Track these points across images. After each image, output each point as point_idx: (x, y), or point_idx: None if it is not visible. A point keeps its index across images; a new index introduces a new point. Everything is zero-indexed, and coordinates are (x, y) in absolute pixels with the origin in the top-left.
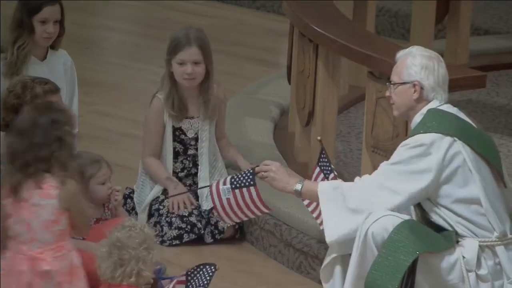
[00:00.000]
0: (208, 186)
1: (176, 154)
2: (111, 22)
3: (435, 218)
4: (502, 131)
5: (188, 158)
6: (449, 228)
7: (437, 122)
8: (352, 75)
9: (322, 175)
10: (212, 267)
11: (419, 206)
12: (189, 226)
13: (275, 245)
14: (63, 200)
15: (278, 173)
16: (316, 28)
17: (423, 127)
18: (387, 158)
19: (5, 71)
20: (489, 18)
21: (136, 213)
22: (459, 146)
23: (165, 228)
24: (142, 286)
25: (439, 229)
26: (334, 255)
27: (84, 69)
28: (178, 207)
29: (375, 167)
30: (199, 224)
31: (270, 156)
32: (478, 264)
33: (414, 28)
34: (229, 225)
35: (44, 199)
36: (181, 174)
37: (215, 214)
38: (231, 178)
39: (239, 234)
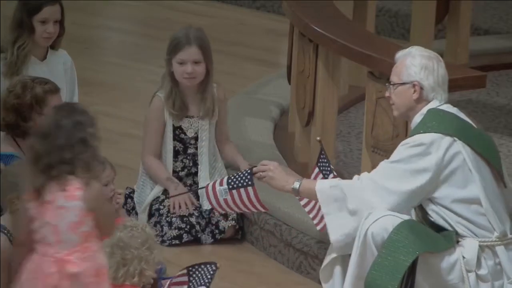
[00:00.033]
0: (203, 187)
1: (176, 153)
2: (111, 22)
3: (435, 218)
4: (502, 131)
5: (188, 157)
6: (449, 228)
7: (437, 122)
8: (352, 75)
9: (321, 175)
10: (213, 266)
11: (419, 206)
12: (188, 226)
13: (275, 245)
14: (88, 201)
15: (276, 172)
16: (316, 28)
17: (423, 127)
18: (387, 158)
19: (5, 71)
20: (489, 18)
21: (136, 213)
22: (459, 146)
23: (165, 228)
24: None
25: (439, 229)
26: (334, 255)
27: (84, 69)
28: (180, 207)
29: (375, 167)
30: (198, 226)
31: (270, 156)
32: (478, 264)
33: (414, 28)
34: (229, 225)
35: (69, 201)
36: (181, 174)
37: (216, 214)
38: (228, 179)
39: (240, 234)
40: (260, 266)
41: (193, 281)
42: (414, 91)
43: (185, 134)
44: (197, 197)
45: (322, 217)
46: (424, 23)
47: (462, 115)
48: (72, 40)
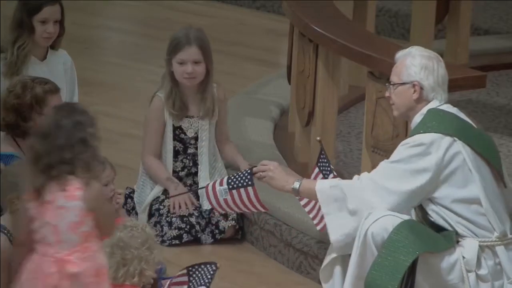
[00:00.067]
0: (203, 187)
1: (176, 153)
2: (111, 22)
3: (435, 218)
4: (502, 131)
5: (188, 157)
6: (449, 228)
7: (437, 122)
8: (352, 75)
9: (321, 175)
10: (213, 266)
11: (419, 206)
12: (188, 226)
13: (275, 245)
14: (88, 201)
15: (276, 172)
16: (316, 28)
17: (423, 127)
18: (387, 158)
19: (5, 71)
20: (489, 18)
21: (136, 213)
22: (459, 146)
23: (165, 228)
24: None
25: (439, 229)
26: (334, 255)
27: (84, 69)
28: (180, 207)
29: (375, 167)
30: (198, 226)
31: (270, 156)
32: (478, 264)
33: (414, 28)
34: (229, 225)
35: (69, 201)
36: (181, 173)
37: (216, 214)
38: (228, 179)
39: (240, 234)
40: (260, 266)
41: (193, 281)
42: (414, 91)
43: (185, 134)
44: (197, 197)
45: (322, 217)
46: (424, 23)
47: (462, 115)
48: (72, 40)
